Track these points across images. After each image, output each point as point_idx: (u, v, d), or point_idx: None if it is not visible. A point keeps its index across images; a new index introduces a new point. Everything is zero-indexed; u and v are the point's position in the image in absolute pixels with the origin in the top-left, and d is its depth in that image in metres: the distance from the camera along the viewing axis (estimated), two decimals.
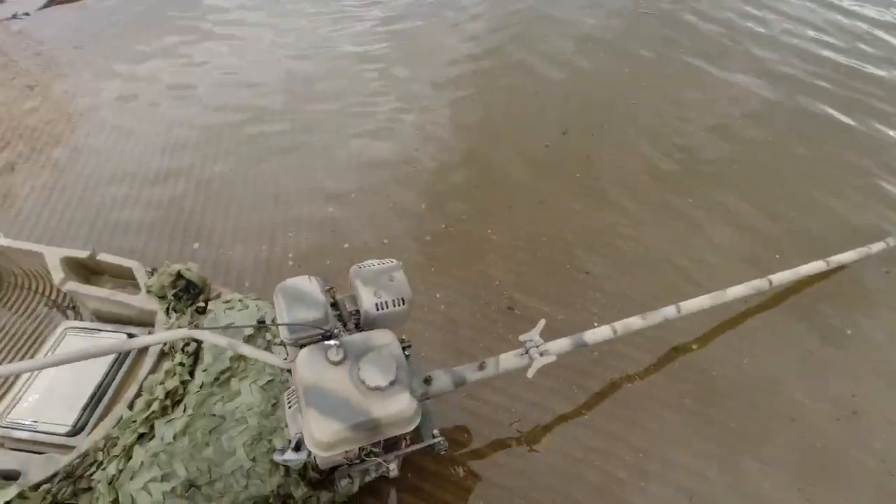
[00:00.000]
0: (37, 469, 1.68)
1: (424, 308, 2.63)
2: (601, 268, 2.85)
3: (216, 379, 1.85)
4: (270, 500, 1.72)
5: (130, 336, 2.11)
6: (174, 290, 2.14)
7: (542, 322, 1.71)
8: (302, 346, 1.39)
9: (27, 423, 1.86)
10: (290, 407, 1.46)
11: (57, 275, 2.22)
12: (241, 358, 1.93)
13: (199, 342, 1.98)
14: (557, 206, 3.19)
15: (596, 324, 2.55)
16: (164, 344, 1.99)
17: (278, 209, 3.16)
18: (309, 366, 1.22)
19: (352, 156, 3.53)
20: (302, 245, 2.95)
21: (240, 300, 2.15)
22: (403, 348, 1.58)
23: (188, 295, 2.19)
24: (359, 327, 1.49)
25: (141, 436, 1.72)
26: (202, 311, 2.17)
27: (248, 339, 1.97)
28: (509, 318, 2.60)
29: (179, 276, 2.17)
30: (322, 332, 1.30)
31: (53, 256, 2.29)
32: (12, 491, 1.58)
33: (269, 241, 2.96)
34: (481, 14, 5.05)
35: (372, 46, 4.59)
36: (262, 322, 1.89)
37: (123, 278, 2.35)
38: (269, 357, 1.55)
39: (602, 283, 2.77)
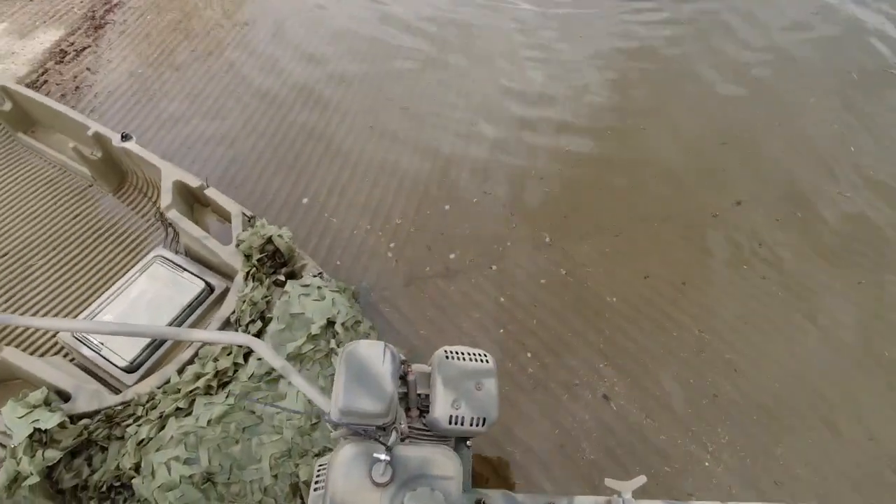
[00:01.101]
0: (84, 399, 1.68)
1: None
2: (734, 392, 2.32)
3: (267, 374, 1.72)
4: None
5: (208, 286, 2.05)
6: (260, 255, 2.02)
7: (642, 479, 1.33)
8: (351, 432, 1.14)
9: (95, 342, 1.87)
10: (315, 489, 1.23)
11: (165, 198, 2.20)
12: (298, 359, 1.77)
13: (264, 321, 1.86)
14: None
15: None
16: (230, 318, 1.89)
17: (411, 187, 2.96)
18: (347, 475, 0.99)
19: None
20: (405, 224, 2.74)
21: (318, 287, 1.99)
22: (464, 440, 1.30)
23: (272, 263, 2.07)
24: (423, 415, 1.23)
25: (179, 409, 1.63)
26: (281, 285, 2.04)
27: (312, 338, 1.81)
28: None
29: (270, 240, 2.05)
30: (375, 429, 1.06)
31: (169, 176, 2.28)
32: (56, 418, 1.58)
33: (375, 219, 2.77)
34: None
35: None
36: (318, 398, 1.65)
37: (225, 218, 2.29)
38: (317, 398, 1.34)
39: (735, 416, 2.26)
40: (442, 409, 1.10)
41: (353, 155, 3.05)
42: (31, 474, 1.51)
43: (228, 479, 1.57)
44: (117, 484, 1.59)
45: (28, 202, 2.48)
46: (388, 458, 0.99)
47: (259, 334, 1.83)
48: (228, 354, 1.75)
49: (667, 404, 2.21)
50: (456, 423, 1.10)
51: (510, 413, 2.15)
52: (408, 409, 1.19)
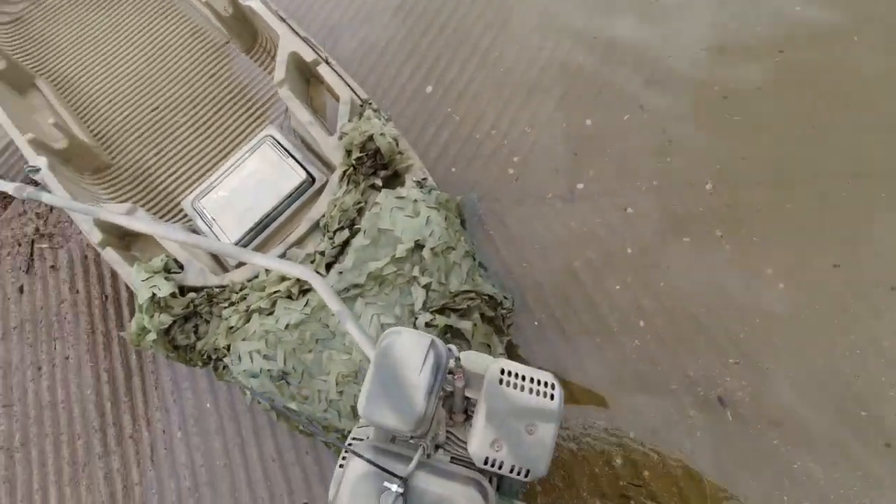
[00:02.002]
0: (193, 274, 1.81)
1: None
2: None
3: (346, 290, 1.64)
4: (339, 434, 1.64)
5: (310, 177, 1.96)
6: (360, 154, 1.83)
7: None
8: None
9: (209, 216, 1.96)
10: (339, 464, 1.14)
11: (279, 71, 2.06)
12: (378, 281, 1.65)
13: (352, 230, 1.74)
14: None
15: None
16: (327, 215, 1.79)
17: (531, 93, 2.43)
18: (353, 495, 0.85)
19: None
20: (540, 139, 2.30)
21: (414, 201, 1.77)
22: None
23: (372, 163, 1.88)
24: (469, 421, 1.02)
25: (262, 308, 1.67)
26: (378, 188, 1.87)
27: (396, 261, 1.65)
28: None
29: (372, 139, 1.83)
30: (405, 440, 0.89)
31: (286, 46, 2.10)
32: (168, 288, 1.72)
33: (501, 123, 2.35)
34: None
35: None
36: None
37: (337, 99, 2.10)
38: (370, 353, 1.22)
39: None
40: (479, 446, 0.88)
41: (492, 51, 2.51)
42: (151, 331, 1.72)
43: (300, 382, 1.62)
44: (215, 357, 1.76)
45: (174, 57, 2.53)
46: (400, 490, 0.84)
47: (345, 245, 1.73)
48: (312, 262, 1.70)
49: None
50: (492, 466, 0.89)
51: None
52: (451, 412, 1.00)
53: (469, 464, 0.96)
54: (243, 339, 1.66)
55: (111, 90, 2.52)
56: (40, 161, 2.00)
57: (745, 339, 1.85)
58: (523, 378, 0.89)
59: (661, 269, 1.97)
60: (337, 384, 1.60)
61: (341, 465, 1.01)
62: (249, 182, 1.99)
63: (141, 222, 1.47)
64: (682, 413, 1.80)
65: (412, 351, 0.89)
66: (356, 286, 1.65)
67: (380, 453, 0.88)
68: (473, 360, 1.05)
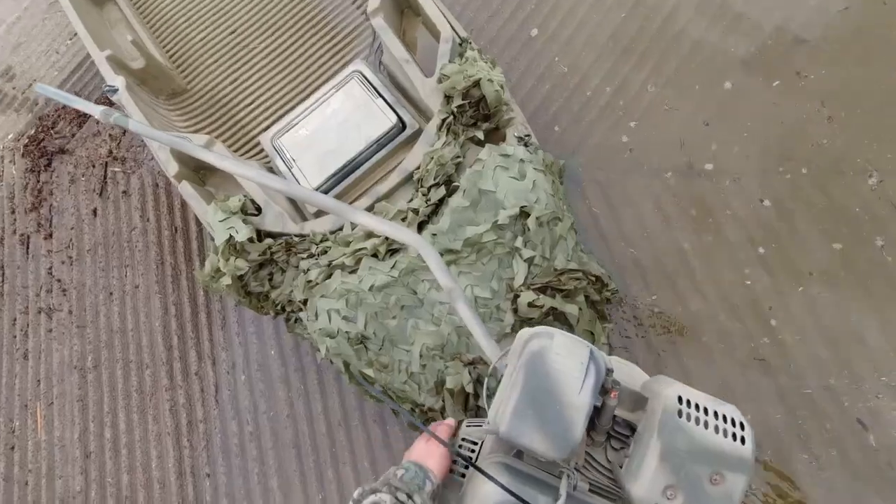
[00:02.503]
0: (270, 218, 1.67)
1: None
2: None
3: (440, 255, 1.47)
4: (416, 409, 1.53)
5: (401, 122, 1.75)
6: (461, 102, 1.60)
7: None
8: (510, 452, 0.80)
9: (288, 155, 1.80)
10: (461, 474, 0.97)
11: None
12: (475, 248, 1.47)
13: (449, 188, 1.54)
14: None
15: None
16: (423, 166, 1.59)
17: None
18: None
19: None
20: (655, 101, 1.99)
21: (521, 161, 1.55)
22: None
23: (474, 113, 1.65)
24: (613, 445, 0.84)
25: (346, 265, 1.53)
26: (479, 143, 1.65)
27: (498, 228, 1.46)
28: None
29: (477, 84, 1.60)
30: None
31: None
32: (246, 232, 1.60)
33: (619, 79, 2.03)
34: None
35: None
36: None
37: (437, 36, 1.85)
38: (484, 342, 1.05)
39: None
40: (647, 490, 0.70)
41: None
42: (225, 275, 1.62)
43: (380, 349, 1.50)
44: (289, 309, 1.65)
45: None
46: None
47: (440, 204, 1.54)
48: (403, 219, 1.53)
49: None
50: None
51: None
52: (592, 429, 0.83)
53: (610, 492, 0.79)
54: (322, 296, 1.53)
55: (187, 6, 2.35)
56: (118, 81, 1.88)
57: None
58: (706, 411, 0.70)
59: (797, 277, 1.69)
60: (421, 356, 1.46)
61: (462, 475, 0.86)
62: (333, 122, 1.80)
63: (231, 162, 1.32)
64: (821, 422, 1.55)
65: (569, 361, 0.71)
66: (450, 252, 1.47)
67: (515, 476, 0.72)
68: (624, 371, 0.87)
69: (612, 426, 0.82)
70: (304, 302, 1.58)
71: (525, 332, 0.78)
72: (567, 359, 0.72)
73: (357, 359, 1.52)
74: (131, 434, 2.11)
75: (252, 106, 2.13)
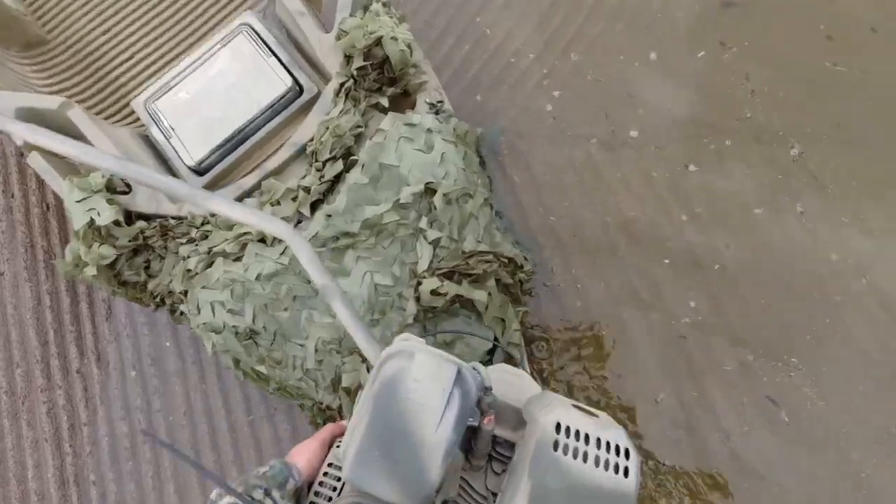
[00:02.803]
0: (143, 196, 1.45)
1: None
2: None
3: (335, 238, 1.31)
4: (314, 406, 1.40)
5: (297, 85, 1.54)
6: (363, 63, 1.42)
7: None
8: None
9: (166, 123, 1.55)
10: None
11: None
12: (375, 230, 1.32)
13: (347, 162, 1.37)
14: None
15: None
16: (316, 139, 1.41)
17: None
18: None
19: None
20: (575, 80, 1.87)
21: (428, 130, 1.40)
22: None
23: (378, 76, 1.47)
24: (494, 469, 0.75)
25: (228, 252, 1.34)
26: (383, 111, 1.48)
27: (400, 207, 1.32)
28: None
29: (380, 42, 1.41)
30: None
31: None
32: (111, 214, 1.37)
33: (546, 46, 1.89)
34: None
35: None
36: None
37: None
38: (363, 342, 0.92)
39: None
40: None
41: None
42: (88, 264, 1.39)
43: (271, 344, 1.34)
44: (170, 301, 1.45)
45: None
46: None
47: (337, 180, 1.37)
48: (293, 199, 1.35)
49: None
50: None
51: None
52: (469, 455, 0.73)
53: None
54: (204, 287, 1.35)
55: None
56: None
57: (811, 325, 1.59)
58: (587, 439, 0.61)
59: (720, 247, 1.66)
60: (316, 351, 1.32)
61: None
62: (218, 84, 1.56)
63: (45, 137, 1.06)
64: (741, 416, 1.55)
65: (429, 388, 0.59)
66: (347, 235, 1.32)
67: None
68: (509, 383, 0.76)
69: (492, 448, 0.72)
70: (185, 293, 1.39)
71: (386, 350, 0.66)
72: (426, 386, 0.60)
73: (247, 355, 1.36)
74: (2, 442, 1.86)
75: (128, 61, 1.83)
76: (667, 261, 1.68)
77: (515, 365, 1.39)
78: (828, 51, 1.77)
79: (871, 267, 1.61)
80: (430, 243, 1.32)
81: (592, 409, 0.68)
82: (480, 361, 1.36)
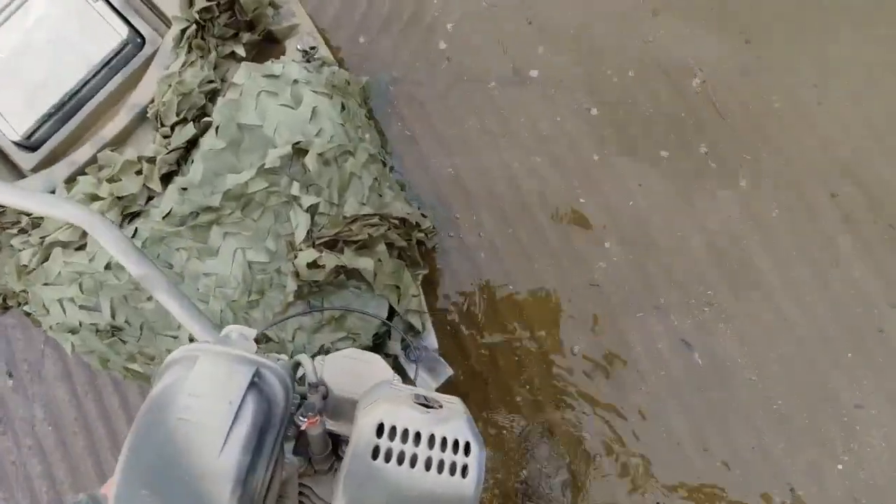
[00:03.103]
0: None
1: None
2: None
3: (195, 214, 1.15)
4: None
5: (137, 35, 1.30)
6: (206, 4, 1.20)
7: None
8: None
9: None
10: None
11: None
12: (240, 202, 1.16)
13: (199, 125, 1.18)
14: None
15: None
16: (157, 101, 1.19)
17: None
18: None
19: None
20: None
21: (294, 82, 1.22)
22: None
23: (229, 19, 1.26)
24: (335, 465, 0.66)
25: (64, 242, 1.15)
26: (240, 60, 1.28)
27: (266, 173, 1.16)
28: None
29: None
30: None
31: None
32: None
33: None
34: None
35: None
36: None
37: None
38: (194, 326, 0.80)
39: None
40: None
41: None
42: None
43: (139, 339, 1.19)
44: (13, 303, 1.25)
45: None
46: None
47: (190, 147, 1.19)
48: (138, 173, 1.16)
49: None
50: None
51: None
52: (310, 459, 0.63)
53: None
54: (46, 284, 1.16)
55: None
56: None
57: (719, 270, 1.58)
58: (417, 439, 0.52)
59: (630, 189, 1.60)
60: (191, 342, 1.18)
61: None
62: (38, 37, 1.30)
63: None
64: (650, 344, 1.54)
65: (209, 403, 0.48)
66: (209, 210, 1.15)
67: None
68: (355, 371, 0.67)
69: (337, 449, 0.63)
70: (26, 292, 1.20)
71: (168, 359, 0.54)
72: (205, 401, 0.49)
73: (115, 354, 1.21)
74: None
75: None
76: (582, 200, 1.61)
77: (417, 333, 1.31)
78: None
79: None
80: (305, 211, 1.18)
81: (440, 397, 0.60)
82: (376, 334, 1.28)
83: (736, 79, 1.64)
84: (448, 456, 0.51)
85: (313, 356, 1.18)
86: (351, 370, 0.68)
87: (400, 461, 0.50)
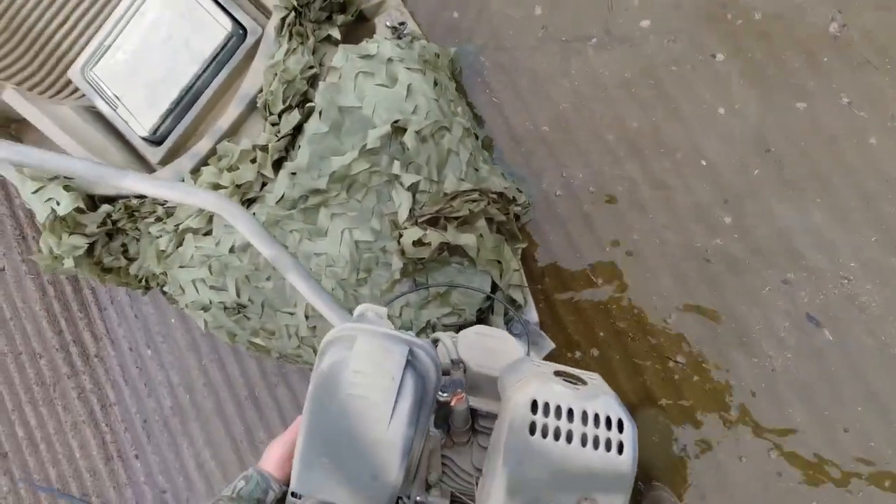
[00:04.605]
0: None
1: None
2: None
3: (304, 198, 1.21)
4: None
5: (240, 28, 1.36)
6: None
7: None
8: None
9: (109, 93, 1.42)
10: None
11: None
12: (345, 183, 1.20)
13: (304, 110, 1.23)
14: None
15: None
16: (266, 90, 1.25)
17: None
18: None
19: None
20: None
21: (389, 60, 1.23)
22: None
23: (323, 3, 1.28)
24: (474, 439, 0.67)
25: (193, 229, 1.25)
26: (336, 43, 1.30)
27: (368, 153, 1.18)
28: None
29: None
30: None
31: None
32: (69, 201, 1.29)
33: None
34: None
35: None
36: None
37: None
38: (327, 311, 0.85)
39: None
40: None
41: None
42: (65, 257, 1.34)
43: (261, 316, 1.29)
44: (154, 284, 1.40)
45: None
46: None
47: (296, 133, 1.24)
48: (253, 161, 1.23)
49: None
50: None
51: None
52: (449, 431, 0.66)
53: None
54: (181, 267, 1.28)
55: None
56: None
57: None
58: (570, 415, 0.52)
59: (757, 152, 1.44)
60: (307, 318, 1.26)
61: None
62: (154, 38, 1.39)
63: None
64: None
65: (373, 379, 0.51)
66: (316, 192, 1.20)
67: None
68: (489, 348, 0.67)
69: (474, 423, 0.65)
70: (165, 274, 1.33)
71: (326, 337, 0.57)
72: (370, 377, 0.51)
73: (240, 329, 1.32)
74: (44, 428, 1.95)
75: (63, 24, 1.66)
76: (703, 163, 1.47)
77: (520, 307, 1.31)
78: None
79: None
80: (407, 189, 1.20)
81: (579, 373, 0.59)
82: (480, 309, 1.29)
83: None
84: (602, 432, 0.51)
85: (420, 332, 1.22)
86: (483, 346, 0.69)
87: (556, 437, 0.50)
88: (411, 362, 0.54)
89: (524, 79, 1.59)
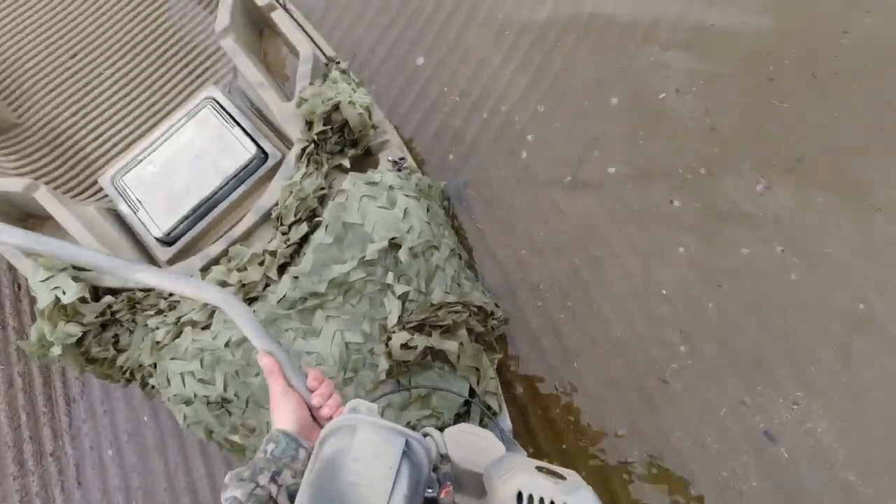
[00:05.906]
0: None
1: None
2: None
3: (303, 299, 1.32)
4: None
5: (262, 152, 1.59)
6: (323, 128, 1.47)
7: None
8: None
9: (133, 197, 1.58)
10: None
11: (223, 16, 1.64)
12: (342, 289, 1.33)
13: (312, 224, 1.40)
14: None
15: None
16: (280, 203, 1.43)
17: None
18: None
19: None
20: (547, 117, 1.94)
21: (390, 188, 1.43)
22: None
23: (339, 139, 1.52)
24: None
25: (195, 321, 1.34)
26: (345, 171, 1.52)
27: (366, 264, 1.33)
28: None
29: (337, 108, 1.47)
30: None
31: None
32: (76, 291, 1.37)
33: (511, 102, 1.96)
34: None
35: None
36: None
37: (297, 56, 1.70)
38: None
39: None
40: None
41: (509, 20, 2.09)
42: (54, 344, 1.38)
43: (244, 412, 1.32)
44: (139, 376, 1.43)
45: None
46: None
47: (303, 242, 1.39)
48: (261, 264, 1.36)
49: None
50: None
51: None
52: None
53: None
54: (173, 358, 1.33)
55: (15, 26, 2.04)
56: None
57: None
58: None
59: (714, 285, 1.64)
60: None
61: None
62: (184, 156, 1.60)
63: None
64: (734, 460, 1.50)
65: (373, 467, 0.58)
66: (315, 295, 1.32)
67: None
68: (473, 446, 0.76)
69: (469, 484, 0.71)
70: (154, 366, 1.37)
71: (327, 426, 0.65)
72: (369, 465, 0.59)
73: (220, 425, 1.33)
74: None
75: (97, 139, 1.88)
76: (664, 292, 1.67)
77: (495, 414, 1.38)
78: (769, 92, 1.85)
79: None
80: (398, 298, 1.33)
81: (559, 469, 0.67)
82: (457, 413, 1.36)
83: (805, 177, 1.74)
84: None
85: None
86: (467, 443, 0.77)
87: None
88: (407, 453, 0.61)
89: (503, 209, 1.84)
